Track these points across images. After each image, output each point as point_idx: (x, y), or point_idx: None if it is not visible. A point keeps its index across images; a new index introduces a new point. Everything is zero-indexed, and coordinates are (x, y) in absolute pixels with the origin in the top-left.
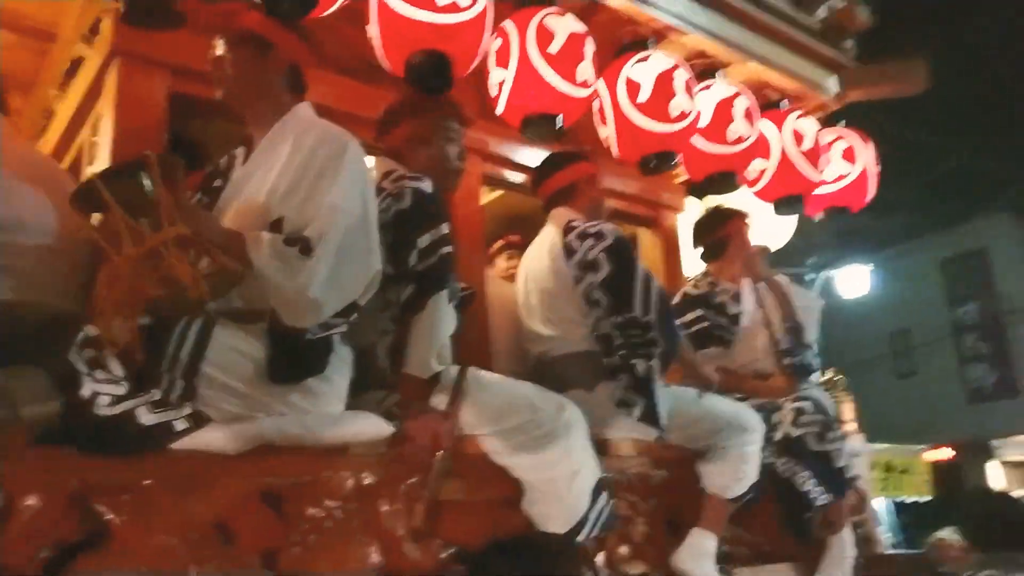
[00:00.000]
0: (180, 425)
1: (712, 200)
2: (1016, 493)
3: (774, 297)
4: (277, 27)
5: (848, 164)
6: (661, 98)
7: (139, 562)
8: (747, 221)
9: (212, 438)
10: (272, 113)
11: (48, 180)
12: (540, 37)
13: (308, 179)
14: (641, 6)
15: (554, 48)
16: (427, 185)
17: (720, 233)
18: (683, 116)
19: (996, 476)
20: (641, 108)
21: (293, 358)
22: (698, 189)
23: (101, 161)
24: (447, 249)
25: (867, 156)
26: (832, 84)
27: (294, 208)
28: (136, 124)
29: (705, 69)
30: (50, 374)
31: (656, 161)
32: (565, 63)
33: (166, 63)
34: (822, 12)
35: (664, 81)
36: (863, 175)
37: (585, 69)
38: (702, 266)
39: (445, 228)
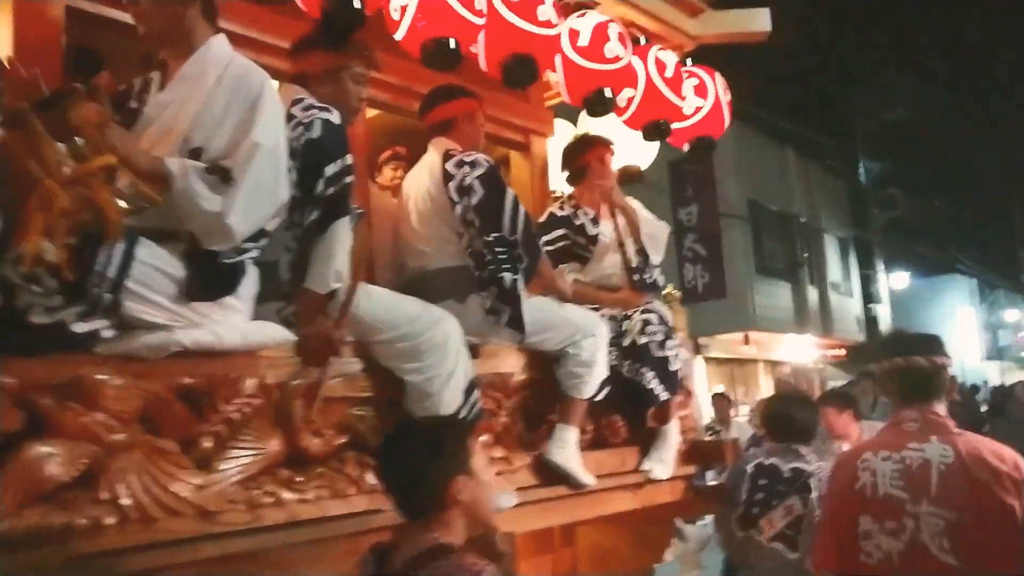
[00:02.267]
0: (107, 333)
1: (583, 128)
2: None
3: (627, 221)
4: None
5: (701, 98)
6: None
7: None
8: (610, 148)
9: (135, 345)
10: (189, 43)
11: None
12: None
13: (231, 116)
14: None
15: None
16: (335, 116)
17: (583, 159)
18: (548, 23)
19: (700, 371)
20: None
21: (210, 279)
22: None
23: None
24: (349, 178)
25: (718, 88)
26: (689, 27)
27: (215, 140)
28: (34, 36)
29: (579, 4)
30: None
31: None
32: None
33: None
34: None
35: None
36: (716, 104)
37: None
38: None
39: (349, 159)
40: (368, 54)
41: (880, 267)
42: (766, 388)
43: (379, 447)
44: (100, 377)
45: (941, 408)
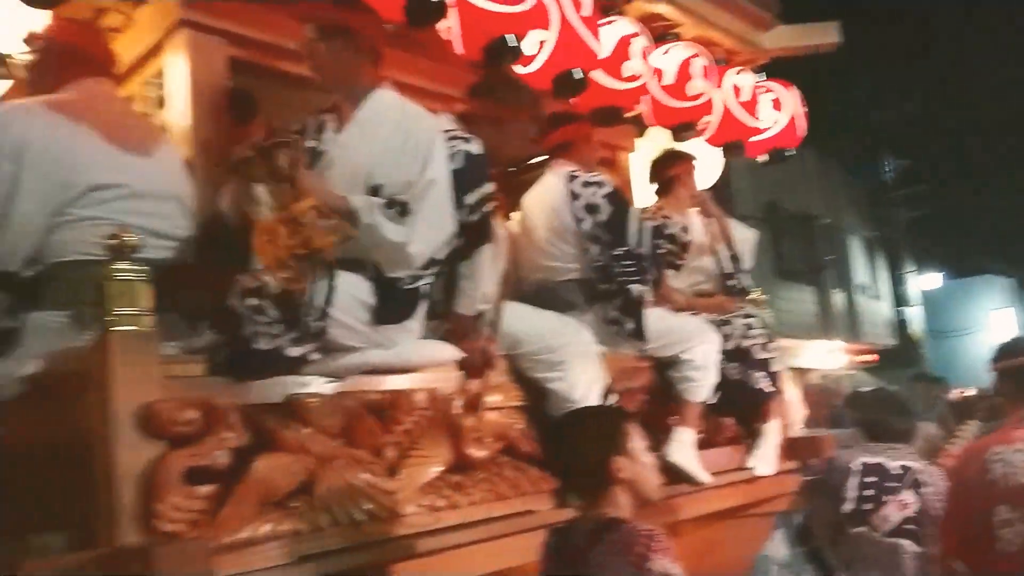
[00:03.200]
0: (313, 356)
1: (666, 144)
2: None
3: (718, 229)
4: (361, 17)
5: (776, 111)
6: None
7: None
8: (693, 163)
9: (335, 366)
10: (359, 90)
11: (166, 151)
12: None
13: (407, 156)
14: None
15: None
16: (475, 147)
17: (672, 172)
18: (634, 78)
19: None
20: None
21: (395, 304)
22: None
23: (172, 111)
24: (490, 206)
25: (793, 101)
26: (763, 41)
27: (393, 177)
28: (205, 83)
29: (664, 32)
30: (191, 317)
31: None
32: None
33: (226, 31)
34: None
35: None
36: (792, 118)
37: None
38: (652, 199)
39: (489, 187)
40: (538, 112)
41: (909, 268)
42: (794, 397)
43: (548, 436)
44: (310, 398)
45: None
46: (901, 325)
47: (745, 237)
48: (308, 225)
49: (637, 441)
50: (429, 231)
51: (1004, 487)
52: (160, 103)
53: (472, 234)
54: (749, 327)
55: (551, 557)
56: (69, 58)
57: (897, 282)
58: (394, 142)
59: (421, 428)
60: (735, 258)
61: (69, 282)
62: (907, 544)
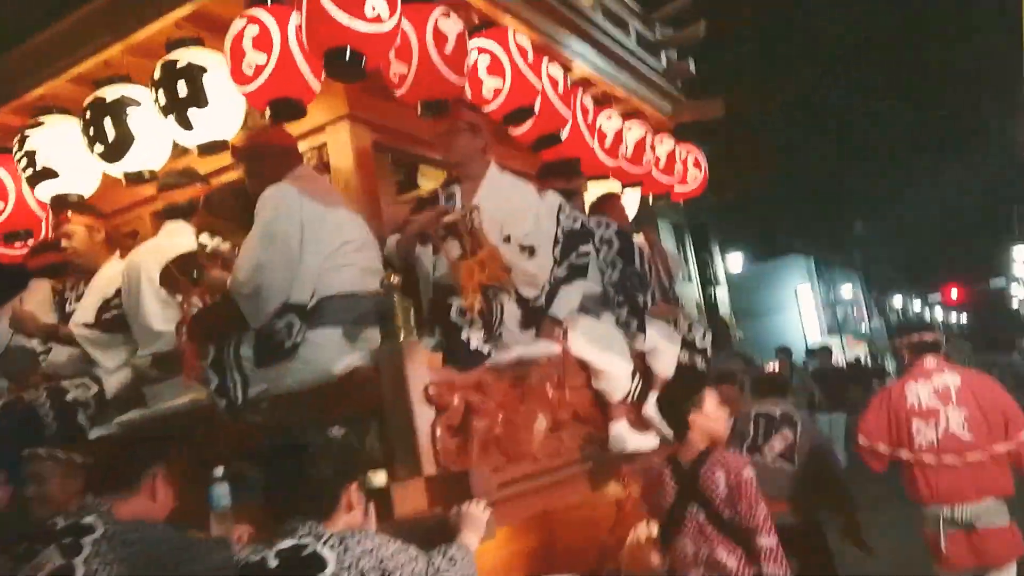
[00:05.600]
0: (490, 352)
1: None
2: None
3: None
4: (481, 118)
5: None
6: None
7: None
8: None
9: (498, 359)
10: (478, 166)
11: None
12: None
13: (524, 214)
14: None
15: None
16: (585, 220)
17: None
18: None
19: None
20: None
21: (531, 315)
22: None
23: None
24: (588, 257)
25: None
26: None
27: (518, 230)
28: (359, 158)
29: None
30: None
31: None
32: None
33: (375, 122)
34: (663, 60)
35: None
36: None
37: None
38: None
39: (591, 246)
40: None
41: (716, 251)
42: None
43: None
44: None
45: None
46: (710, 306)
47: (674, 256)
48: (490, 266)
49: (710, 401)
50: (545, 264)
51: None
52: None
53: (574, 271)
54: (690, 326)
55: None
56: (284, 153)
57: (704, 265)
58: (513, 204)
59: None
60: (669, 273)
61: (335, 309)
62: (784, 465)
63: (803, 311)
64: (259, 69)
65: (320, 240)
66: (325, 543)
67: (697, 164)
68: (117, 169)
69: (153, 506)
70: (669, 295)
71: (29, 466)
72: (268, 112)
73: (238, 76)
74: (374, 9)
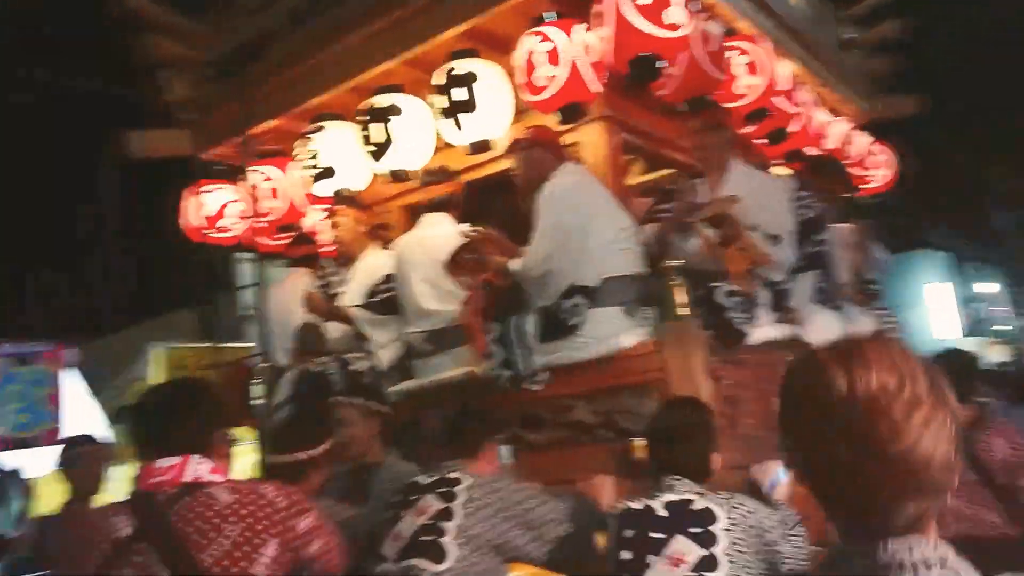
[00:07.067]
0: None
1: None
2: None
3: None
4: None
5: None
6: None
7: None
8: None
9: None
10: (723, 161)
11: None
12: None
13: (766, 204)
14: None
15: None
16: (822, 209)
17: None
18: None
19: None
20: None
21: (778, 298)
22: None
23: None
24: (827, 245)
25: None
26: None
27: (761, 219)
28: (611, 154)
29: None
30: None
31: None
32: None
33: (626, 122)
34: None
35: None
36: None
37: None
38: None
39: (822, 235)
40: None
41: None
42: None
43: None
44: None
45: None
46: None
47: (879, 259)
48: (751, 252)
49: None
50: (788, 251)
51: None
52: None
53: (814, 259)
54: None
55: None
56: (557, 148)
57: None
58: (758, 195)
59: None
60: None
61: (616, 290)
62: None
63: (934, 309)
64: (550, 79)
65: (602, 228)
66: (711, 500)
67: (886, 162)
68: (384, 167)
69: (490, 469)
70: (862, 288)
71: (338, 413)
72: (559, 116)
73: (530, 87)
74: (672, 18)
